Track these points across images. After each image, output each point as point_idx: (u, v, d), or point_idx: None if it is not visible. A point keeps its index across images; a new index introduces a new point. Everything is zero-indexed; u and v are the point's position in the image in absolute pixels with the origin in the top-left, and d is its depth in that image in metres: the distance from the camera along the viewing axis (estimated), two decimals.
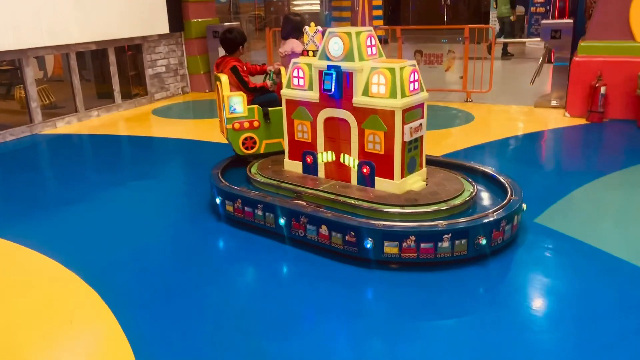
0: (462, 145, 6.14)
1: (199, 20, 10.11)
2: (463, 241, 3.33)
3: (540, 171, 5.32)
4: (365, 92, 3.81)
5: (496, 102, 8.36)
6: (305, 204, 3.80)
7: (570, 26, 7.44)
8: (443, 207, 3.63)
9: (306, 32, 4.19)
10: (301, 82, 4.13)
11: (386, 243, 3.32)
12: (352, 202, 3.75)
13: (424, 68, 8.72)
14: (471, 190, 3.87)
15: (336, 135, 4.04)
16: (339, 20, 15.91)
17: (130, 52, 9.36)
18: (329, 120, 4.04)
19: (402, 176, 3.83)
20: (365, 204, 3.70)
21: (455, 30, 9.42)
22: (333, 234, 3.48)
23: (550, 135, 6.67)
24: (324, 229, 3.52)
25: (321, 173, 4.21)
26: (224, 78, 4.69)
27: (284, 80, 4.32)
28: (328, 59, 3.92)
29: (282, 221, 3.72)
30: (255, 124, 4.69)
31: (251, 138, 4.72)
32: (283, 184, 4.14)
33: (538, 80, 8.49)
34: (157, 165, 5.90)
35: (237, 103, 4.61)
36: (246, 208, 3.94)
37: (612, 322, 2.78)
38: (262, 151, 4.79)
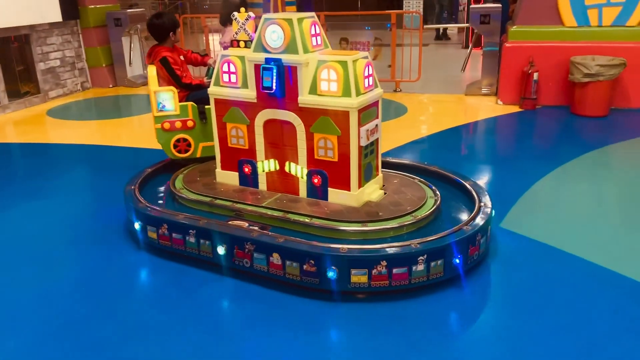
0: (400, 140, 5.71)
1: (97, 6, 9.02)
2: (439, 262, 2.85)
3: (490, 166, 5.00)
4: (313, 89, 3.22)
5: (426, 91, 8.06)
6: (247, 225, 3.17)
7: (499, 10, 7.23)
8: (409, 220, 3.13)
9: (235, 19, 3.52)
10: (233, 78, 3.47)
11: (353, 271, 2.78)
12: (305, 220, 3.16)
13: None
14: (434, 197, 3.41)
15: (279, 140, 3.43)
16: (251, 7, 15.09)
17: (17, 43, 8.13)
18: (269, 124, 3.41)
19: (360, 186, 3.30)
20: (320, 222, 3.13)
21: (380, 16, 9.06)
22: (288, 263, 2.89)
23: (489, 125, 6.42)
24: (275, 258, 2.91)
25: (262, 185, 3.58)
26: (151, 70, 3.98)
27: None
28: (265, 50, 3.29)
29: (221, 250, 3.06)
30: (189, 123, 4.02)
31: (185, 140, 4.06)
32: (217, 201, 3.47)
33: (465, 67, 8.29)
34: (55, 180, 4.96)
35: (167, 99, 3.92)
36: (174, 234, 3.24)
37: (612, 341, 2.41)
38: (198, 155, 4.14)
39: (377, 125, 3.33)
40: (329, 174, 3.32)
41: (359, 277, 2.78)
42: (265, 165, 3.53)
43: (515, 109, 6.87)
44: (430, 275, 2.85)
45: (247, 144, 3.54)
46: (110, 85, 9.27)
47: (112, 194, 4.30)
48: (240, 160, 3.60)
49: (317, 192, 3.39)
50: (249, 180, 3.61)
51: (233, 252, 3.05)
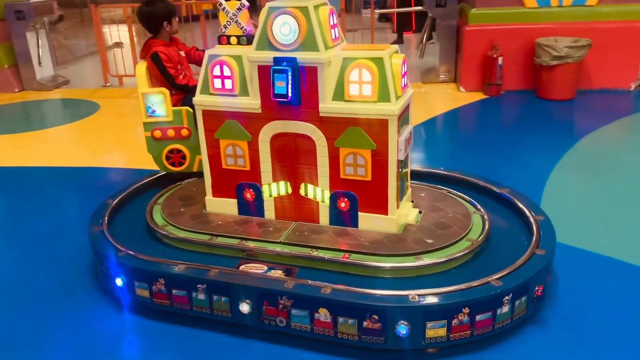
0: None
1: None
2: (523, 299, 2.35)
3: (484, 164, 4.58)
4: (339, 94, 2.59)
5: None
6: (266, 270, 2.50)
7: None
8: (466, 246, 2.61)
9: (222, 9, 2.79)
10: (228, 84, 2.75)
11: (429, 324, 2.21)
12: (339, 256, 2.54)
13: None
14: (479, 213, 2.90)
15: (292, 158, 2.77)
16: None
17: None
18: (279, 138, 2.74)
19: (397, 207, 2.72)
20: (360, 258, 2.53)
21: None
22: (341, 320, 2.26)
23: (459, 115, 6.06)
24: (323, 314, 2.28)
25: (269, 213, 2.91)
26: (140, 68, 3.33)
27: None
28: (274, 48, 2.60)
29: (245, 308, 2.38)
30: (184, 132, 3.35)
31: (179, 151, 3.39)
32: (218, 239, 2.76)
33: (416, 52, 7.90)
34: None
35: (157, 103, 3.25)
36: (176, 291, 2.51)
37: None
38: (195, 169, 3.45)
39: (411, 132, 2.77)
40: (359, 196, 2.71)
41: (436, 330, 2.22)
42: (274, 189, 2.86)
43: (479, 96, 6.56)
44: (514, 316, 2.35)
45: (248, 164, 2.85)
46: (16, 90, 7.97)
47: (61, 230, 3.43)
48: (239, 184, 2.90)
49: (344, 219, 2.77)
50: (252, 208, 2.93)
51: (262, 309, 2.38)
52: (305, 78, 2.58)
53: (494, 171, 4.03)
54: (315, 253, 2.59)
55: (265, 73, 2.64)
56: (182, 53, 3.70)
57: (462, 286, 2.28)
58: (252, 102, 2.72)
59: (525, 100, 6.29)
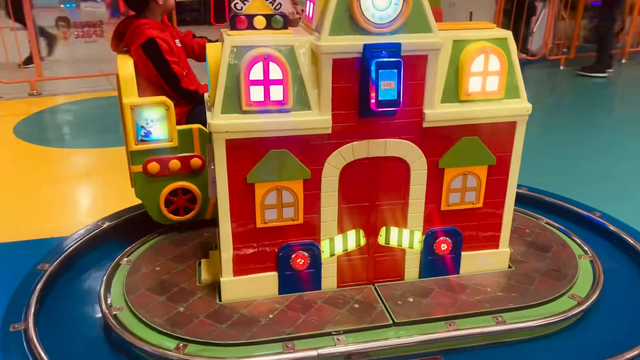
0: None
1: None
2: None
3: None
4: (451, 94, 1.80)
5: None
6: None
7: None
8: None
9: None
10: (276, 93, 1.67)
11: None
12: (491, 326, 1.79)
13: (78, 43, 5.90)
14: (587, 257, 2.20)
15: (371, 195, 1.86)
16: None
17: None
18: (353, 169, 1.80)
19: None
20: (514, 318, 1.82)
21: None
22: None
23: None
24: None
25: (330, 281, 1.93)
26: (123, 64, 2.11)
27: (214, 92, 1.71)
28: (361, 30, 1.65)
29: None
30: (195, 163, 2.16)
31: (186, 192, 2.20)
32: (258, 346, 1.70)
33: None
34: None
35: (155, 120, 2.01)
36: None
37: None
38: (208, 216, 2.30)
39: None
40: (464, 231, 1.97)
41: None
42: (338, 245, 1.90)
43: None
44: None
45: (300, 214, 1.82)
46: None
47: None
48: (285, 247, 1.85)
49: (443, 265, 2.00)
50: (303, 280, 1.90)
51: None
52: (408, 73, 1.71)
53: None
54: (455, 328, 1.77)
55: (346, 70, 1.67)
56: (178, 42, 2.38)
57: None
58: (317, 119, 1.71)
59: None
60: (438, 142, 1.83)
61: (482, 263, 2.04)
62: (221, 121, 1.65)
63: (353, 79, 1.69)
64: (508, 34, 1.82)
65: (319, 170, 1.77)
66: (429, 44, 1.70)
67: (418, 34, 1.69)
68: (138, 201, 2.27)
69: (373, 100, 1.66)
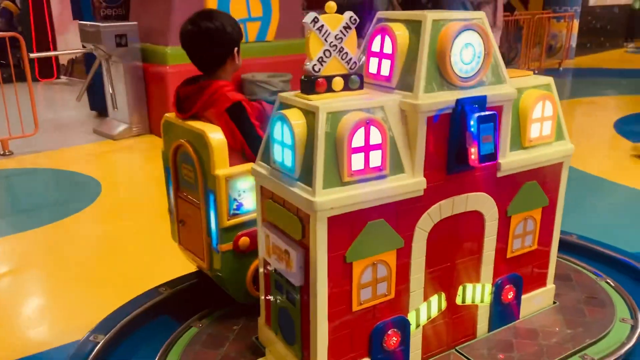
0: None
1: None
2: None
3: None
4: (516, 141, 1.79)
5: (57, 145, 5.68)
6: None
7: (136, 29, 5.74)
8: None
9: (317, 27, 1.48)
10: (376, 159, 1.50)
11: None
12: None
13: None
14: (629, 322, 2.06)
15: (451, 253, 1.76)
16: None
17: None
18: (438, 229, 1.69)
19: None
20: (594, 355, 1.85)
21: None
22: None
23: None
24: None
25: (416, 354, 1.77)
26: (216, 135, 1.79)
27: (301, 163, 1.46)
28: (449, 85, 1.57)
29: None
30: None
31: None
32: None
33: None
34: None
35: (247, 190, 1.83)
36: None
37: None
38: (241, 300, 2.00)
39: None
40: (523, 275, 1.97)
41: None
42: (423, 313, 1.75)
43: None
44: None
45: (392, 288, 1.64)
46: None
47: None
48: (377, 328, 1.64)
49: (509, 313, 1.96)
50: (392, 358, 1.71)
51: None
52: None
53: None
54: None
55: (439, 127, 1.58)
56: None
57: None
58: (412, 182, 1.57)
59: None
60: (507, 190, 1.81)
61: (536, 303, 2.05)
62: (325, 197, 1.43)
63: (443, 135, 1.60)
64: (550, 80, 1.89)
65: (410, 237, 1.63)
66: (506, 95, 1.69)
67: (497, 85, 1.67)
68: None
69: (474, 157, 1.58)
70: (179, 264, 2.36)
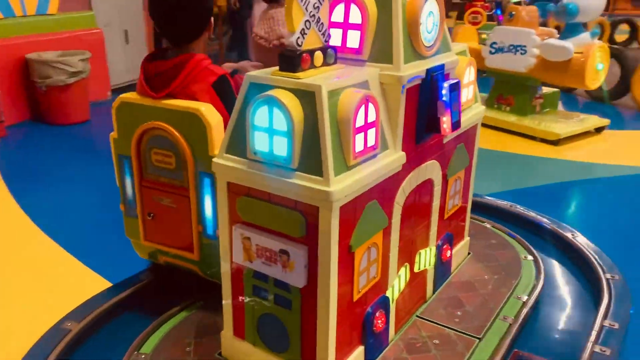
0: None
1: None
2: None
3: None
4: None
5: None
6: None
7: None
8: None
9: None
10: (372, 138, 1.40)
11: None
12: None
13: None
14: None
15: (414, 223, 1.78)
16: None
17: None
18: (407, 202, 1.68)
19: None
20: None
21: None
22: None
23: None
24: None
25: (391, 332, 1.76)
26: (210, 112, 1.55)
27: (298, 150, 1.27)
28: (418, 55, 1.54)
29: None
30: None
31: None
32: None
33: None
34: None
35: None
36: None
37: None
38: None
39: None
40: (454, 233, 2.09)
41: None
42: (396, 287, 1.74)
43: None
44: None
45: (379, 269, 1.59)
46: None
47: None
48: (368, 313, 1.58)
49: (446, 270, 2.07)
50: (382, 341, 1.67)
51: None
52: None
53: None
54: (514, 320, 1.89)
55: (412, 98, 1.54)
56: None
57: None
58: (396, 157, 1.52)
59: (41, 132, 5.08)
60: (447, 155, 1.88)
61: (460, 256, 2.20)
62: (339, 185, 1.29)
63: (412, 106, 1.57)
64: (466, 46, 1.99)
65: (391, 214, 1.59)
66: (455, 62, 1.72)
67: (447, 53, 1.69)
68: None
69: (446, 125, 1.58)
70: None
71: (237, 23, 6.38)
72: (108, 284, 2.23)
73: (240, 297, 1.55)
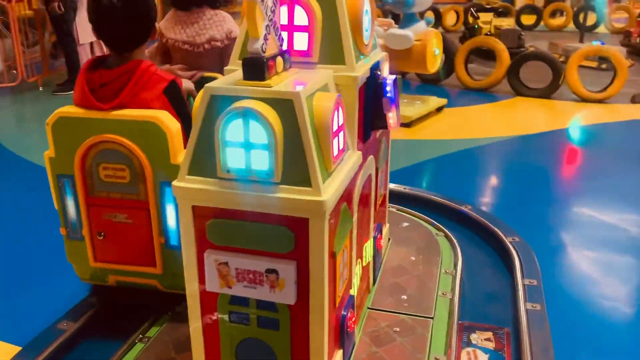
0: None
1: None
2: None
3: None
4: None
5: None
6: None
7: None
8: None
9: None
10: (342, 140, 1.38)
11: None
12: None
13: None
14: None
15: (363, 220, 1.80)
16: None
17: None
18: (361, 197, 1.70)
19: None
20: None
21: None
22: None
23: None
24: None
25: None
26: (168, 121, 1.45)
27: (280, 163, 1.20)
28: (360, 53, 1.55)
29: None
30: None
31: None
32: None
33: None
34: None
35: None
36: None
37: None
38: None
39: None
40: (382, 221, 2.16)
41: None
42: (356, 286, 1.75)
43: None
44: None
45: (349, 271, 1.59)
46: None
47: None
48: (343, 316, 1.57)
49: (380, 259, 2.14)
50: (352, 340, 1.67)
51: None
52: None
53: None
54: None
55: (362, 97, 1.55)
56: None
57: None
58: (356, 157, 1.52)
59: None
60: (377, 149, 1.93)
61: (384, 242, 2.27)
62: (328, 193, 1.25)
63: (362, 105, 1.58)
64: None
65: (352, 214, 1.59)
66: (384, 57, 1.76)
67: (375, 50, 1.73)
68: None
69: (392, 121, 1.62)
70: None
71: (62, 28, 5.75)
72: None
73: (213, 325, 1.44)
